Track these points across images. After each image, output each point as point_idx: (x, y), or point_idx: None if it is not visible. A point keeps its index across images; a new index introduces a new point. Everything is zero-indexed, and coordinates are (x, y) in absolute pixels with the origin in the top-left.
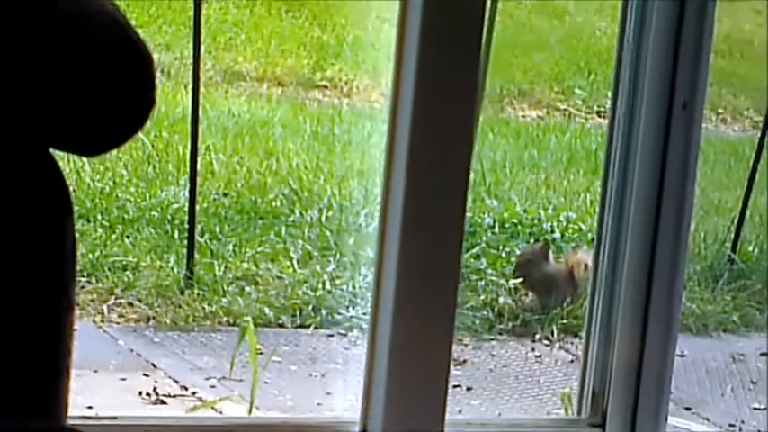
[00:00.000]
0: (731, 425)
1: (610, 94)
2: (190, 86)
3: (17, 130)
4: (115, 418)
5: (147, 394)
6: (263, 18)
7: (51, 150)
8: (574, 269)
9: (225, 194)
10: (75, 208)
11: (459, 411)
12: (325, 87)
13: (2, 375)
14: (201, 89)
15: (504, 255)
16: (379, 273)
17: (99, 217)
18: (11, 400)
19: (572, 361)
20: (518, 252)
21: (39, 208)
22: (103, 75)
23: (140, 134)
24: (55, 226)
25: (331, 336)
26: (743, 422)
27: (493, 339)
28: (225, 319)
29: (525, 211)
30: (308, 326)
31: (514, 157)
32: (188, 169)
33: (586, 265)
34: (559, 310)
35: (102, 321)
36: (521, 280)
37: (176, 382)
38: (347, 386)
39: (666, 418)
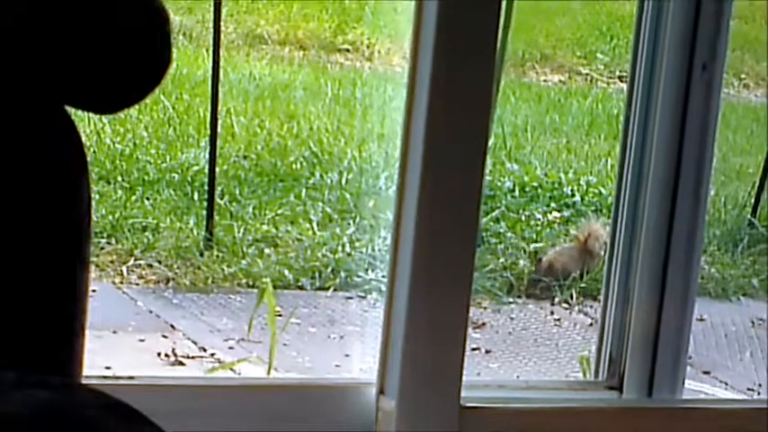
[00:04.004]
0: (749, 389)
1: (630, 57)
2: (211, 49)
3: (33, 87)
4: (132, 378)
5: (166, 355)
6: None
7: (68, 109)
8: (588, 242)
9: (245, 157)
10: (96, 169)
11: (478, 374)
12: (347, 51)
13: (16, 333)
14: (223, 52)
15: (523, 218)
16: (396, 236)
17: (119, 178)
18: (25, 357)
19: (591, 324)
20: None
21: (54, 166)
22: (120, 32)
23: (160, 95)
24: (70, 184)
25: (350, 298)
26: (761, 386)
27: (512, 303)
28: (244, 280)
29: (546, 174)
30: (327, 288)
31: (536, 121)
32: (208, 131)
33: (599, 237)
34: (578, 273)
35: (122, 283)
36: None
37: (195, 343)
38: (365, 348)
39: (684, 382)
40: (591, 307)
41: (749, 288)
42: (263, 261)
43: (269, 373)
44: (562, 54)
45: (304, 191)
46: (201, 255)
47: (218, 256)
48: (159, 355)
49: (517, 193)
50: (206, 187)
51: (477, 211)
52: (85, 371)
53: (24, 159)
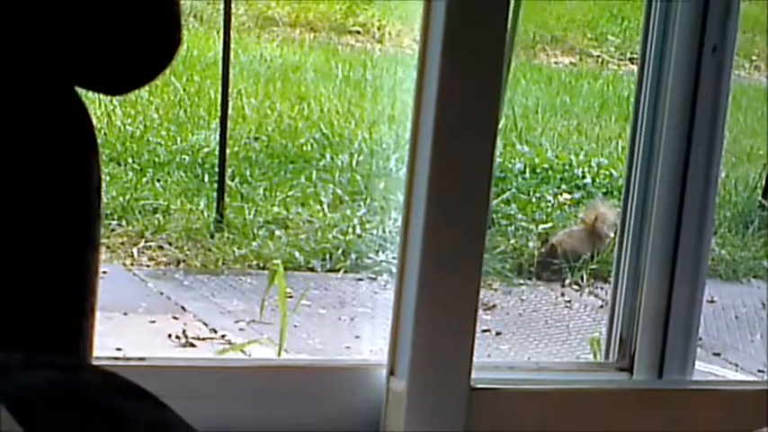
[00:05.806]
0: (760, 370)
1: (641, 39)
2: (222, 31)
3: (43, 69)
4: (143, 359)
5: (177, 337)
6: None
7: (79, 90)
8: (596, 224)
9: (256, 138)
10: (106, 151)
11: (489, 355)
12: (358, 33)
13: (26, 313)
14: (234, 34)
15: (534, 200)
16: (407, 217)
17: (130, 160)
18: (34, 338)
19: (601, 306)
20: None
21: (64, 146)
22: (130, 12)
23: (171, 77)
24: (80, 165)
25: (360, 280)
26: None
27: (522, 284)
28: (255, 262)
29: (556, 156)
30: (338, 270)
31: (546, 102)
32: (219, 113)
33: (606, 219)
34: (588, 255)
35: (132, 264)
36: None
37: (206, 324)
38: (375, 330)
39: (694, 363)
40: (601, 289)
41: (760, 270)
42: (274, 243)
43: (279, 354)
44: (573, 36)
45: (315, 172)
46: (212, 236)
47: (228, 238)
48: (170, 336)
49: (528, 174)
50: (216, 169)
51: (488, 193)
52: (96, 352)
53: (34, 140)
